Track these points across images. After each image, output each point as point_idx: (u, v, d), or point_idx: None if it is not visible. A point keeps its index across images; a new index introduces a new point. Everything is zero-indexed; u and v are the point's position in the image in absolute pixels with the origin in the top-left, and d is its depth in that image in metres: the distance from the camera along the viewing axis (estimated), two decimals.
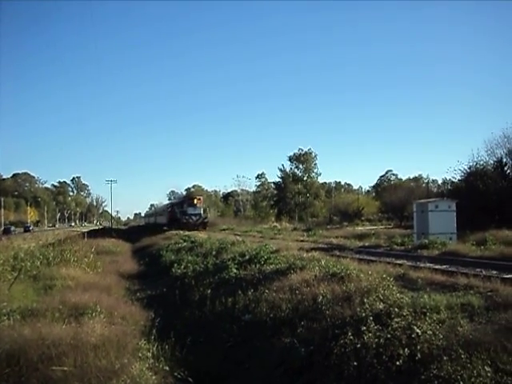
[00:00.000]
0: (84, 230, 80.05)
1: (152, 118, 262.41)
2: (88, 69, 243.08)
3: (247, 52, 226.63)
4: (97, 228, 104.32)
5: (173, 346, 10.04)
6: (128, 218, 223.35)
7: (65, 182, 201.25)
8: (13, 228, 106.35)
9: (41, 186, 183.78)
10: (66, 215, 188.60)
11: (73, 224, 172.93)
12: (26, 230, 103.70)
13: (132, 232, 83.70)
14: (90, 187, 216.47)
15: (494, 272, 13.29)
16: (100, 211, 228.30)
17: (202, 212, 61.12)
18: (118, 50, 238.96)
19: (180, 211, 61.11)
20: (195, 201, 60.86)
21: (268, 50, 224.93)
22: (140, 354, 9.29)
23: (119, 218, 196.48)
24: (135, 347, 9.58)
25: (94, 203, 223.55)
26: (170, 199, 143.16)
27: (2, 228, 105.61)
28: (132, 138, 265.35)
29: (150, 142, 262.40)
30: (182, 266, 22.23)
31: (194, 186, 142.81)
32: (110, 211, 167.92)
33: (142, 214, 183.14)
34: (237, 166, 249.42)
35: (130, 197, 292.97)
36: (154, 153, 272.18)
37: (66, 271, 18.88)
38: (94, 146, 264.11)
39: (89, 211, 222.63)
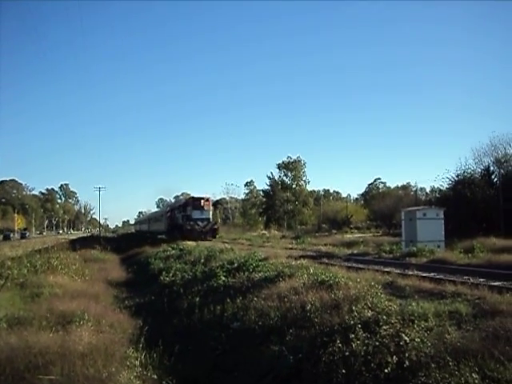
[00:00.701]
0: (72, 238, 79.78)
1: (140, 125, 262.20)
2: (76, 76, 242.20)
3: (233, 59, 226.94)
4: (85, 236, 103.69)
5: (161, 355, 9.98)
6: (116, 225, 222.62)
7: (53, 189, 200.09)
8: (12, 235, 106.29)
9: (28, 193, 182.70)
10: (54, 222, 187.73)
11: (61, 231, 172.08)
12: (6, 237, 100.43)
13: (121, 241, 73.10)
14: (78, 194, 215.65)
15: (482, 279, 13.34)
16: (88, 218, 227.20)
17: (210, 216, 49.88)
18: (108, 57, 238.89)
19: (183, 216, 50.22)
20: (202, 202, 49.47)
21: (255, 57, 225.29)
22: (128, 363, 9.23)
23: (107, 225, 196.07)
24: (123, 355, 9.52)
25: (82, 210, 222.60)
26: (158, 206, 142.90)
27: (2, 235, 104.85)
28: (120, 146, 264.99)
29: (139, 149, 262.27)
30: (171, 274, 22.17)
31: (182, 194, 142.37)
32: (98, 219, 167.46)
33: (131, 222, 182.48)
34: (225, 173, 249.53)
35: (119, 204, 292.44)
36: (142, 160, 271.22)
37: (54, 279, 18.77)
38: (83, 153, 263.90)
39: (77, 218, 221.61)
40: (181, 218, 50.72)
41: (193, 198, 51.73)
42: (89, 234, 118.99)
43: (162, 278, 22.33)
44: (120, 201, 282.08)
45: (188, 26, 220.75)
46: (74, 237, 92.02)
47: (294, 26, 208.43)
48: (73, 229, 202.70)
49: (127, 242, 61.52)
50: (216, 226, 49.80)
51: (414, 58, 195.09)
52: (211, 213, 50.96)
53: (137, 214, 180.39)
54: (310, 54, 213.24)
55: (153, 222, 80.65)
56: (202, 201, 49.70)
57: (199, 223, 46.92)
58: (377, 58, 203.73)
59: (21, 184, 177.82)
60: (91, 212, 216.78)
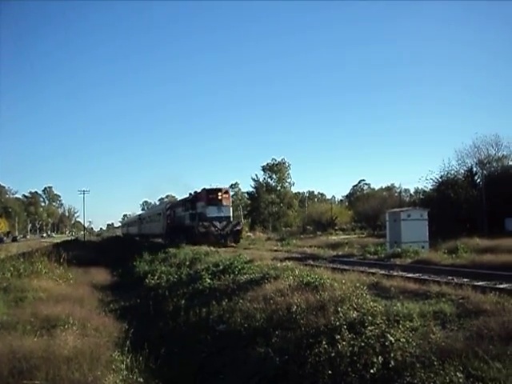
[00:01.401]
0: (56, 241, 79.06)
1: (124, 129, 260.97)
2: (61, 79, 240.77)
3: (216, 61, 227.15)
4: (69, 239, 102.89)
5: (147, 358, 9.95)
6: (101, 228, 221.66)
7: (36, 192, 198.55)
8: (5, 238, 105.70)
9: (11, 196, 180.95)
10: (38, 226, 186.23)
11: (44, 235, 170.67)
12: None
13: (105, 249, 56.24)
14: (61, 198, 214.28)
15: (466, 279, 13.45)
16: (72, 222, 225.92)
17: (231, 214, 39.23)
18: (94, 62, 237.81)
19: (192, 214, 39.69)
20: (220, 195, 38.29)
21: (238, 59, 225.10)
22: (113, 366, 9.19)
23: (92, 228, 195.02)
24: (109, 359, 9.48)
25: (66, 214, 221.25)
26: (143, 209, 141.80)
27: None
28: (104, 149, 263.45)
29: (123, 152, 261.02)
30: (156, 277, 22.12)
31: (167, 196, 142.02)
32: (82, 222, 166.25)
33: (116, 225, 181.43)
34: (210, 175, 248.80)
35: (103, 207, 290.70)
36: (126, 164, 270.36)
37: (38, 283, 18.63)
38: (67, 156, 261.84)
39: (61, 222, 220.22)
40: (189, 218, 40.42)
41: (207, 189, 38.88)
42: (73, 238, 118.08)
43: (147, 280, 22.27)
44: (104, 204, 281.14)
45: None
46: (57, 240, 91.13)
47: (275, 27, 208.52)
48: (57, 232, 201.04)
49: (113, 251, 49.89)
50: (239, 227, 38.75)
51: (397, 57, 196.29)
52: (231, 209, 39.84)
53: (121, 216, 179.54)
54: (292, 54, 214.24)
55: (146, 223, 69.21)
56: (220, 193, 38.30)
57: (217, 224, 36.29)
58: (361, 57, 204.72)
59: (3, 187, 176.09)
60: (75, 215, 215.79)
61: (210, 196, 38.03)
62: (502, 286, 11.97)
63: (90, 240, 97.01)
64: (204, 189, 39.49)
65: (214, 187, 39.17)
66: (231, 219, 38.53)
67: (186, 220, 41.49)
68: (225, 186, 42.76)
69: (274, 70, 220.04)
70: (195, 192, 42.40)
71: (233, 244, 35.72)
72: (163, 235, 51.63)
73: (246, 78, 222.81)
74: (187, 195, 45.08)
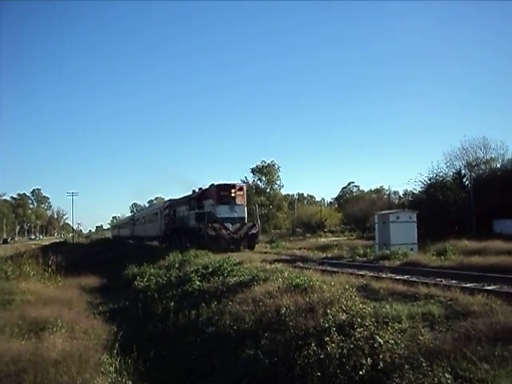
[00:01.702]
0: (44, 244, 78.64)
1: (112, 130, 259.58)
2: (49, 79, 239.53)
3: (205, 64, 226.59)
4: (58, 241, 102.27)
5: (136, 360, 9.90)
6: (90, 230, 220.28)
7: (24, 194, 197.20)
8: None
9: None
10: (26, 228, 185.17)
11: (33, 237, 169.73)
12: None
13: (97, 251, 51.68)
14: (50, 199, 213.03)
15: (454, 281, 13.49)
16: (61, 224, 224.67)
17: (245, 214, 33.70)
18: (88, 63, 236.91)
19: (198, 214, 34.08)
20: (233, 192, 32.89)
21: (228, 61, 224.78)
22: (102, 369, 9.14)
23: (81, 230, 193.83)
24: (97, 362, 9.44)
25: (55, 216, 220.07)
26: (132, 211, 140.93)
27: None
28: (93, 151, 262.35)
29: (112, 154, 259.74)
30: (145, 279, 22.04)
31: (156, 198, 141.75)
32: (71, 224, 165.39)
33: (105, 227, 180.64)
34: (199, 178, 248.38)
35: (92, 209, 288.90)
36: (115, 165, 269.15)
37: (26, 285, 18.49)
38: (55, 158, 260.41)
39: (49, 224, 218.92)
40: (194, 218, 34.74)
41: (218, 185, 33.20)
42: (62, 240, 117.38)
43: (136, 283, 22.18)
44: (93, 206, 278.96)
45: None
46: (46, 243, 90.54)
47: (263, 28, 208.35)
48: (45, 234, 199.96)
49: (103, 253, 46.21)
50: (255, 230, 32.65)
51: (383, 55, 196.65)
52: (246, 209, 34.07)
53: (110, 218, 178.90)
54: (281, 55, 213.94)
55: (139, 225, 63.01)
56: (233, 190, 32.86)
57: (229, 226, 31.17)
58: (351, 56, 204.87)
59: None
60: (64, 217, 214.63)
61: (222, 193, 32.32)
62: (489, 288, 12.03)
63: (79, 242, 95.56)
64: (213, 185, 33.78)
65: (226, 182, 33.30)
66: (245, 221, 32.91)
67: (191, 221, 35.65)
68: (238, 182, 38.11)
69: (262, 72, 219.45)
70: (200, 189, 37.05)
71: (246, 250, 30.38)
72: (160, 238, 46.84)
73: (233, 80, 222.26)
74: (190, 192, 39.60)
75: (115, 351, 10.17)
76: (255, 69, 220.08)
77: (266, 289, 12.78)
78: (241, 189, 33.79)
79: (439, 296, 10.42)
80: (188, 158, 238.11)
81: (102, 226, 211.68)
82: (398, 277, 14.77)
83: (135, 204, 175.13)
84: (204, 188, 36.16)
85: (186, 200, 39.08)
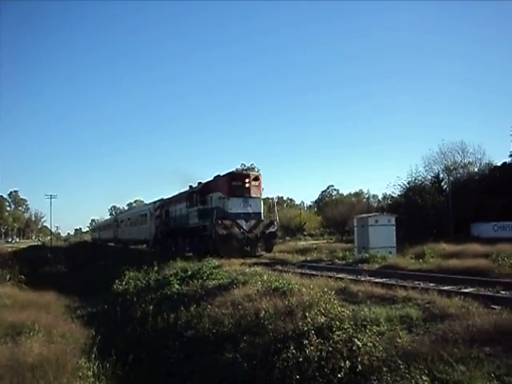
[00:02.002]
0: (22, 247, 77.73)
1: (91, 133, 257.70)
2: (27, 79, 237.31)
3: (182, 67, 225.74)
4: (36, 244, 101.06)
5: (114, 364, 9.87)
6: (68, 233, 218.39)
7: (1, 196, 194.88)
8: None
9: None
10: (3, 230, 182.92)
11: (10, 240, 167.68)
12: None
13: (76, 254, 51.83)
14: (28, 202, 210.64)
15: (432, 284, 13.60)
16: (39, 227, 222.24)
17: (262, 210, 28.34)
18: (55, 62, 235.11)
19: (202, 211, 29.34)
20: (247, 182, 27.77)
21: (208, 62, 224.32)
22: (80, 374, 9.09)
23: (59, 233, 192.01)
24: (75, 366, 9.38)
25: (33, 218, 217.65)
26: (111, 214, 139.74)
27: None
28: (72, 153, 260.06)
29: (91, 156, 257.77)
30: (124, 282, 21.89)
31: (135, 201, 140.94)
32: (49, 227, 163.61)
33: (84, 229, 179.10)
34: (179, 181, 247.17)
35: (71, 212, 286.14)
36: (94, 168, 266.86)
37: (2, 289, 18.32)
38: (33, 159, 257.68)
39: (27, 227, 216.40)
40: (196, 215, 29.68)
41: (230, 174, 28.43)
42: (39, 243, 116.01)
43: (115, 286, 22.03)
44: (72, 208, 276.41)
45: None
46: (23, 245, 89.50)
47: (246, 28, 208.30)
48: (23, 237, 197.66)
49: (82, 256, 45.31)
50: (274, 228, 27.57)
51: (363, 53, 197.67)
52: (262, 203, 28.84)
53: (89, 221, 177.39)
54: (260, 56, 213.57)
55: (124, 227, 57.80)
56: (247, 180, 27.58)
57: (242, 223, 26.25)
58: (332, 55, 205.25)
59: None
60: (42, 220, 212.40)
61: (234, 183, 27.03)
62: (466, 291, 12.13)
63: (57, 245, 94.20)
64: (218, 176, 29.12)
65: (239, 171, 30.56)
66: (262, 217, 27.59)
67: (191, 219, 30.61)
68: (253, 172, 33.08)
69: (240, 73, 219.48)
70: (199, 183, 32.61)
71: (263, 253, 26.58)
72: (149, 241, 42.79)
73: (212, 83, 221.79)
74: (181, 191, 36.20)
75: (93, 355, 10.11)
76: (231, 70, 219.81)
77: (245, 292, 12.82)
78: (256, 178, 28.14)
79: (417, 299, 10.49)
80: (166, 161, 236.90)
81: (80, 228, 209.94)
82: (376, 280, 14.85)
83: (114, 207, 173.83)
84: (209, 180, 30.95)
85: (184, 196, 34.08)
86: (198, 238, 29.10)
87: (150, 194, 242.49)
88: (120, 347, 11.78)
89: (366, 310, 9.26)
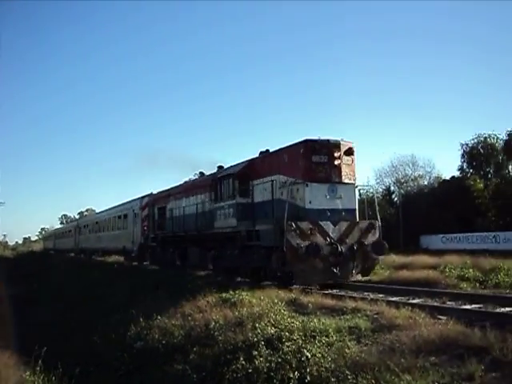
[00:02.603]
0: None
1: (38, 136, 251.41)
2: None
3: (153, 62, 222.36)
4: None
5: (60, 377, 9.66)
6: (16, 242, 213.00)
7: None
8: None
9: None
10: None
11: None
12: None
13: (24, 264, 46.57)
14: None
15: (381, 295, 13.80)
16: None
17: (356, 205, 17.09)
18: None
19: (245, 207, 18.32)
20: (337, 157, 16.04)
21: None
22: None
23: (7, 242, 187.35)
24: (19, 380, 9.16)
25: None
26: (62, 223, 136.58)
27: None
28: (21, 159, 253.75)
29: (40, 162, 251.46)
30: (75, 290, 21.53)
31: (87, 210, 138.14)
32: None
33: (33, 238, 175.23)
34: (134, 188, 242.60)
35: (20, 221, 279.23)
36: (44, 175, 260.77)
37: None
38: None
39: None
40: (234, 214, 18.79)
41: (308, 141, 15.99)
42: None
43: (67, 294, 21.63)
44: (21, 217, 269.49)
45: None
46: None
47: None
48: None
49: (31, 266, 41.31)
50: (377, 235, 16.60)
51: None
52: (357, 194, 18.02)
53: (39, 230, 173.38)
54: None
55: (90, 233, 48.58)
56: (337, 153, 16.16)
57: (328, 227, 15.57)
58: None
59: None
60: None
61: (316, 158, 15.89)
62: (414, 302, 12.39)
63: (3, 255, 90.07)
64: (278, 149, 17.67)
65: (325, 138, 16.27)
66: (357, 216, 16.96)
67: (220, 220, 19.86)
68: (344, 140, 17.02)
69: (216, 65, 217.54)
70: (220, 168, 22.32)
71: (358, 277, 16.41)
72: (131, 251, 33.40)
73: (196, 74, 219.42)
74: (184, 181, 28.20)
75: (38, 368, 9.86)
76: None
77: (195, 303, 12.76)
78: (350, 151, 16.51)
79: (366, 310, 10.59)
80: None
81: (29, 237, 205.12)
82: (326, 291, 14.97)
83: (65, 215, 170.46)
84: (253, 158, 19.40)
85: (202, 185, 23.12)
86: (236, 251, 18.45)
87: (104, 203, 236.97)
88: (67, 359, 11.54)
89: (315, 321, 9.35)
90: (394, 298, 12.95)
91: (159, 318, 12.65)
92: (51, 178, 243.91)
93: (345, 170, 16.16)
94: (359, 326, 9.01)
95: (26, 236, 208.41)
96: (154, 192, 32.45)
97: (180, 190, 26.41)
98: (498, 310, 10.94)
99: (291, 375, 7.33)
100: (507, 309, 11.06)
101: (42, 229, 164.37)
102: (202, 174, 26.16)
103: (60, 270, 35.18)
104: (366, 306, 10.92)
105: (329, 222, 15.44)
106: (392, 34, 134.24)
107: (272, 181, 16.66)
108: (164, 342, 11.21)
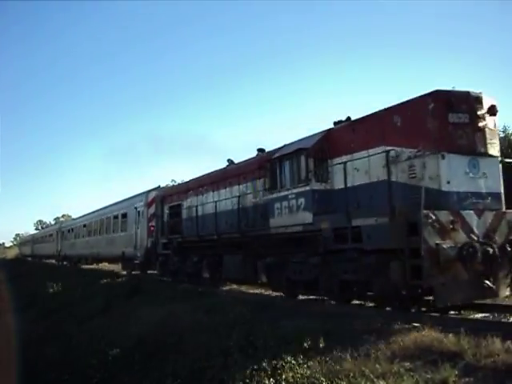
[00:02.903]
0: None
1: (10, 138, 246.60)
2: None
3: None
4: None
5: None
6: None
7: None
8: None
9: None
10: None
11: None
12: None
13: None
14: None
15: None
16: None
17: (502, 187, 11.19)
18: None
19: (323, 195, 13.19)
20: (480, 117, 10.73)
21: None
22: None
23: None
24: None
25: None
26: (37, 229, 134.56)
27: None
28: None
29: (16, 166, 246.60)
30: (50, 298, 21.36)
31: (63, 216, 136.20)
32: None
33: (7, 244, 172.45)
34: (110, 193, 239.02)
35: None
36: (18, 179, 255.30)
37: None
38: None
39: None
40: (308, 206, 13.28)
41: (438, 93, 10.61)
42: None
43: (41, 302, 21.43)
44: None
45: None
46: None
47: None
48: None
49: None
50: None
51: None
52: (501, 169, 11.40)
53: (13, 236, 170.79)
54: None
55: (77, 237, 42.78)
56: (481, 111, 10.81)
57: (472, 219, 10.36)
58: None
59: None
60: None
61: (454, 118, 10.66)
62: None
63: None
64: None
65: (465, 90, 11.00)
66: (503, 203, 11.32)
67: (279, 215, 14.62)
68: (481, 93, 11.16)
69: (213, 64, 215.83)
70: (260, 151, 18.09)
71: (508, 292, 10.84)
72: (136, 258, 26.87)
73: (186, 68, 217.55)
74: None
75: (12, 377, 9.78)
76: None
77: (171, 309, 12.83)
78: (493, 110, 11.18)
79: None
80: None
81: (3, 243, 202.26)
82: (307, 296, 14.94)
83: (41, 221, 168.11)
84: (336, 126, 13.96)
85: (241, 169, 18.23)
86: (315, 258, 13.05)
87: (79, 209, 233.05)
88: (41, 367, 11.45)
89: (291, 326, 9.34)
90: (370, 305, 12.82)
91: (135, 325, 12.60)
92: (25, 183, 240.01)
93: (489, 135, 11.24)
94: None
95: (0, 242, 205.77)
96: (162, 186, 27.51)
97: (205, 181, 20.75)
98: None
99: (267, 382, 7.37)
100: None
101: (16, 235, 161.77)
102: (231, 161, 20.26)
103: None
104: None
105: (471, 212, 10.52)
106: None
107: (380, 153, 11.43)
108: (140, 348, 11.19)
